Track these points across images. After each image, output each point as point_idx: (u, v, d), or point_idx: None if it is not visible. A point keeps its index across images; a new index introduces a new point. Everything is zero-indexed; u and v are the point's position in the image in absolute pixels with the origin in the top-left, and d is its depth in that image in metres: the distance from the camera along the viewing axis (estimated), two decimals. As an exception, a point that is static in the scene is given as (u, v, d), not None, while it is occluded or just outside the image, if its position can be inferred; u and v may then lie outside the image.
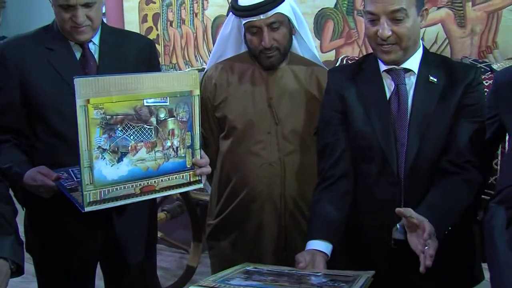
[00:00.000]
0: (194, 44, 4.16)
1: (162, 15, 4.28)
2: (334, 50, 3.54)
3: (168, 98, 1.88)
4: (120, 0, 4.38)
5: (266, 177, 2.23)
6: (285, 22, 2.19)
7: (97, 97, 1.74)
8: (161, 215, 3.61)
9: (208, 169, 1.98)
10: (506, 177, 1.79)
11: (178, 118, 1.90)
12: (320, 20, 3.56)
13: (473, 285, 2.07)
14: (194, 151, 1.93)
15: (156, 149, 1.86)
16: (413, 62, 1.94)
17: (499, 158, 2.36)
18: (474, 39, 3.06)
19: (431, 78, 1.92)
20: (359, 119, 1.96)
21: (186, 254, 3.96)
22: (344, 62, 2.96)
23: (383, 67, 1.96)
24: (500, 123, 1.86)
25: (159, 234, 3.21)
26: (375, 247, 1.96)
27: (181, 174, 1.90)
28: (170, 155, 1.88)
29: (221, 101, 2.29)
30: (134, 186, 1.81)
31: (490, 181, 2.30)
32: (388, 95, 1.94)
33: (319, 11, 3.54)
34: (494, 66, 2.65)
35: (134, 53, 2.19)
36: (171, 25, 4.25)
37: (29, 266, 1.89)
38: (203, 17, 4.08)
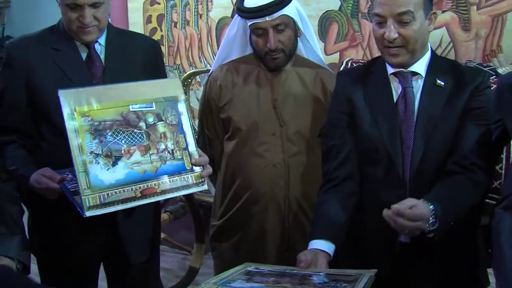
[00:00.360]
0: (198, 45, 4.16)
1: (167, 16, 4.28)
2: (338, 53, 3.53)
3: (153, 103, 1.92)
4: (124, 0, 4.38)
5: (270, 179, 2.24)
6: (291, 24, 2.20)
7: (82, 106, 1.81)
8: (164, 216, 3.61)
9: (209, 170, 1.98)
10: None
11: (168, 122, 1.91)
12: (325, 22, 3.55)
13: (478, 290, 2.07)
14: (191, 152, 1.92)
15: (151, 152, 1.86)
16: (421, 65, 1.94)
17: (504, 162, 2.36)
18: (479, 43, 3.05)
19: (438, 81, 1.92)
20: (366, 121, 1.96)
21: (188, 255, 3.96)
22: (349, 65, 2.95)
23: (390, 70, 1.96)
24: (504, 127, 1.86)
25: (162, 235, 3.21)
26: (380, 250, 1.96)
27: (182, 176, 1.88)
28: (167, 157, 1.87)
29: (226, 103, 2.30)
30: (134, 189, 1.80)
31: (494, 185, 2.30)
32: (395, 98, 1.94)
33: (323, 13, 3.54)
34: (500, 70, 2.64)
35: (140, 54, 2.20)
36: (175, 26, 4.25)
37: (33, 266, 1.89)
38: (207, 19, 4.08)
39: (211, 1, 4.03)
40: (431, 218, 1.73)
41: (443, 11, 3.09)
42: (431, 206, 1.73)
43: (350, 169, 2.00)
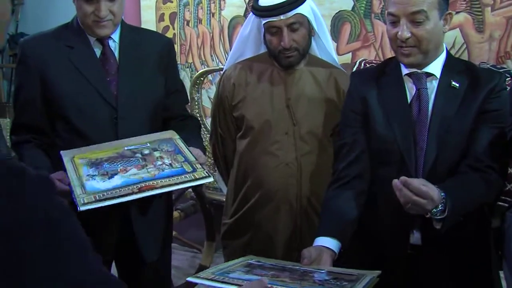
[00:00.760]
0: (211, 44, 4.16)
1: (179, 15, 4.29)
2: (350, 53, 3.53)
3: (148, 143, 1.98)
4: (137, -2, 4.40)
5: (282, 178, 2.24)
6: (305, 23, 2.20)
7: (79, 154, 1.93)
8: (175, 214, 3.61)
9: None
10: None
11: (164, 150, 1.93)
12: (337, 22, 3.55)
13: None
14: (191, 163, 1.90)
15: (148, 167, 1.87)
16: (436, 67, 1.92)
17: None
18: (493, 44, 3.04)
19: (453, 83, 1.90)
20: (379, 122, 1.95)
21: (198, 253, 3.97)
22: (362, 65, 2.95)
23: (405, 70, 1.95)
24: None
25: (173, 233, 3.22)
26: (391, 252, 1.95)
27: (183, 175, 1.85)
28: (165, 168, 1.87)
29: (239, 101, 2.30)
30: (132, 188, 1.79)
31: (507, 188, 2.29)
32: (409, 99, 1.93)
33: (336, 13, 3.53)
34: (514, 72, 2.63)
35: (153, 52, 2.21)
36: (187, 24, 4.26)
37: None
38: (220, 17, 4.08)
39: (224, 0, 4.04)
40: (440, 205, 1.69)
41: (457, 12, 3.07)
42: (442, 194, 1.70)
43: (360, 169, 1.99)
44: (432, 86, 1.92)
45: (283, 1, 2.13)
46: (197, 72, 3.90)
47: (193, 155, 1.93)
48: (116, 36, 2.15)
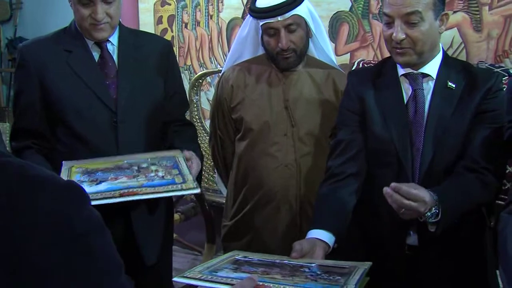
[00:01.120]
0: (209, 46, 4.17)
1: (177, 17, 4.30)
2: (349, 54, 3.54)
3: (149, 159, 1.96)
4: (135, 1, 4.41)
5: (282, 179, 2.24)
6: (302, 24, 2.20)
7: (80, 164, 1.93)
8: (175, 216, 3.62)
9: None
10: None
11: (162, 165, 1.91)
12: (335, 23, 3.56)
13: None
14: (184, 175, 1.87)
15: (139, 178, 1.85)
16: (432, 67, 1.92)
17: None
18: (491, 43, 3.04)
19: (449, 83, 1.90)
20: (376, 122, 1.95)
21: (199, 255, 3.97)
22: (361, 65, 2.96)
23: (401, 71, 1.95)
24: None
25: (173, 236, 3.22)
26: (389, 252, 1.95)
27: (170, 185, 1.82)
28: (155, 179, 1.84)
29: (237, 103, 2.31)
30: (113, 193, 1.77)
31: (507, 187, 2.28)
32: (405, 100, 1.93)
33: (334, 14, 3.54)
34: (512, 71, 2.64)
35: (152, 54, 2.21)
36: (186, 27, 4.27)
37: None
38: (218, 19, 4.09)
39: (222, 2, 4.05)
40: (433, 208, 1.69)
41: (455, 12, 3.08)
42: (435, 197, 1.70)
43: (356, 167, 1.98)
44: (429, 87, 1.92)
45: (280, 3, 2.13)
46: (196, 74, 3.91)
47: (189, 170, 1.91)
48: (114, 39, 2.15)
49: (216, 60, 4.14)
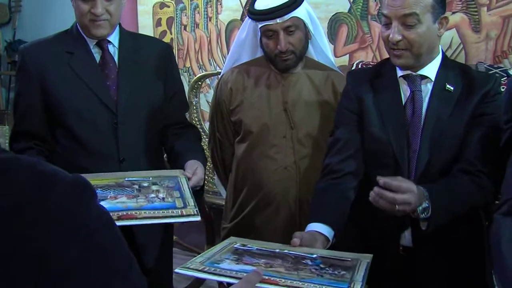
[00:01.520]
0: (208, 48, 4.17)
1: (176, 19, 4.30)
2: (347, 55, 3.54)
3: (151, 177, 1.92)
4: (134, 4, 4.40)
5: (281, 181, 2.24)
6: (301, 26, 2.20)
7: None
8: (174, 218, 3.61)
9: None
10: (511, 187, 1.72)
11: (164, 185, 1.86)
12: (334, 24, 3.55)
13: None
14: (184, 199, 1.80)
15: (139, 198, 1.78)
16: (431, 69, 1.92)
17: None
18: (489, 44, 3.04)
19: (448, 86, 1.90)
20: (374, 123, 1.95)
21: (199, 257, 3.96)
22: (360, 67, 2.96)
23: (400, 72, 1.95)
24: None
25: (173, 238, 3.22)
26: (384, 253, 1.94)
27: (170, 210, 1.73)
28: (155, 201, 1.77)
29: (236, 105, 2.31)
30: (112, 214, 1.72)
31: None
32: (403, 101, 1.93)
33: (333, 15, 3.54)
34: (511, 72, 2.63)
35: (152, 57, 2.22)
36: (185, 29, 4.27)
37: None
38: (217, 21, 4.09)
39: (221, 4, 4.05)
40: (424, 203, 1.68)
41: (453, 13, 3.08)
42: (425, 193, 1.69)
43: (354, 166, 1.97)
44: (427, 89, 1.92)
45: (279, 5, 2.13)
46: (195, 76, 3.91)
47: (190, 193, 1.85)
48: (115, 41, 2.16)
49: (215, 62, 4.14)
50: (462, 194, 1.81)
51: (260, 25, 2.20)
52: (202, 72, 4.05)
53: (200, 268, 1.37)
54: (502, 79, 2.58)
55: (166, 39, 4.26)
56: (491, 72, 2.61)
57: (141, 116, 2.16)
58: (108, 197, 1.79)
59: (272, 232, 2.26)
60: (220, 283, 2.86)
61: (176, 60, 4.17)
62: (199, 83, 3.73)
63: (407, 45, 1.84)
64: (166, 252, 2.34)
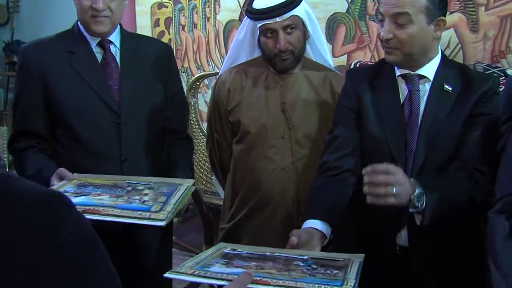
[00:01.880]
0: (206, 49, 4.17)
1: (174, 20, 4.30)
2: (346, 55, 3.54)
3: (152, 183, 1.88)
4: (132, 4, 4.41)
5: (279, 182, 2.24)
6: (300, 25, 2.20)
7: (81, 178, 1.89)
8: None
9: None
10: (505, 185, 1.69)
11: (158, 191, 1.82)
12: (332, 24, 3.56)
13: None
14: (166, 205, 1.72)
15: (119, 199, 1.74)
16: (429, 69, 1.92)
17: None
18: (487, 44, 3.05)
19: (446, 86, 1.89)
20: (372, 122, 1.95)
21: (197, 257, 3.96)
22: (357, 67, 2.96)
23: (398, 72, 1.95)
24: None
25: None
26: (380, 252, 1.94)
27: (139, 212, 1.66)
28: (133, 202, 1.72)
29: (234, 106, 2.31)
30: (79, 207, 1.63)
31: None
32: (402, 100, 1.93)
33: (331, 15, 3.55)
34: (509, 71, 2.63)
35: (153, 57, 2.22)
36: (183, 29, 4.27)
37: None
38: (215, 22, 4.09)
39: (219, 4, 4.05)
40: (417, 189, 1.65)
41: (451, 12, 3.08)
42: (417, 181, 1.67)
43: (352, 164, 1.97)
44: (425, 89, 1.92)
45: (278, 3, 2.13)
46: (193, 76, 3.91)
47: (177, 201, 1.76)
48: (117, 41, 2.16)
49: (214, 62, 4.14)
50: (456, 185, 1.80)
51: (259, 25, 2.20)
52: (200, 72, 4.05)
53: (190, 272, 1.35)
54: (500, 79, 2.59)
55: (164, 40, 4.26)
56: (489, 72, 2.61)
57: (143, 116, 2.16)
58: (92, 193, 1.78)
59: (270, 233, 2.26)
60: (211, 286, 2.86)
61: (175, 60, 4.24)
62: (197, 83, 3.73)
63: (397, 44, 1.84)
64: (166, 252, 2.34)
